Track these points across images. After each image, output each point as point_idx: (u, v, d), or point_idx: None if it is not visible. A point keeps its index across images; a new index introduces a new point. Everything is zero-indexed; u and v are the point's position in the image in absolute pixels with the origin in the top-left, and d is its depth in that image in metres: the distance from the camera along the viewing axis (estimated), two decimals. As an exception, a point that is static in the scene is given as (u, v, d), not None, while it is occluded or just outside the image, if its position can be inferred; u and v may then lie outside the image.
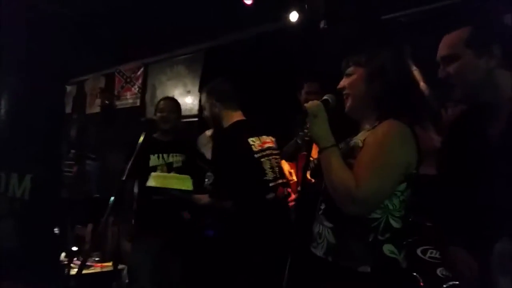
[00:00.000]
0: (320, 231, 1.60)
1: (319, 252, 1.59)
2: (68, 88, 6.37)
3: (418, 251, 2.50)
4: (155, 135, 3.18)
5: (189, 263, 3.26)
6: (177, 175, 2.57)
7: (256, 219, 2.34)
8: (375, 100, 1.60)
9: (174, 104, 3.27)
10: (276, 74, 3.67)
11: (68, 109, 6.64)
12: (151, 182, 2.52)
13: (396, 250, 1.50)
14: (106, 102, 6.14)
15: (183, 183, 2.52)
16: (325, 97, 1.69)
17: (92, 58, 5.55)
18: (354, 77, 1.64)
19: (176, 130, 3.23)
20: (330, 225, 1.56)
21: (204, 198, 2.48)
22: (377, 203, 1.48)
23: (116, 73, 6.12)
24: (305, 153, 3.07)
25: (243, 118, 2.59)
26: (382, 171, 1.46)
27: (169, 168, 3.07)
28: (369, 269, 1.47)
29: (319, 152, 1.56)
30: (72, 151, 5.68)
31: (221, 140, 2.48)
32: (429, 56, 3.21)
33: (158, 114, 3.18)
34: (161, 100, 3.34)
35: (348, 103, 1.66)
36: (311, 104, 1.59)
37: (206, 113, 2.64)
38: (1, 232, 1.74)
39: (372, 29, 3.36)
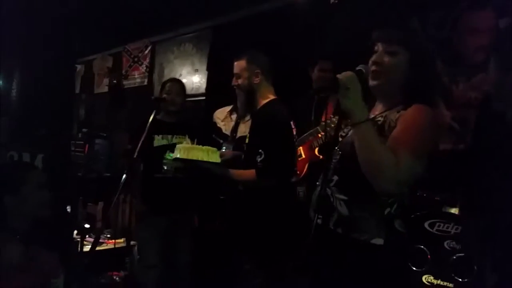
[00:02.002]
0: (331, 204, 1.61)
1: (329, 223, 1.60)
2: (77, 67, 6.38)
3: (426, 225, 2.54)
4: (158, 117, 3.14)
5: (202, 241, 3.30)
6: (203, 146, 2.38)
7: (286, 200, 2.37)
8: (407, 85, 1.58)
9: (180, 86, 3.27)
10: (286, 51, 3.64)
11: (77, 89, 6.66)
12: (177, 154, 2.38)
13: (404, 224, 1.57)
14: (114, 81, 6.16)
15: (211, 155, 2.36)
16: (358, 68, 1.56)
17: (100, 37, 5.54)
18: (398, 58, 1.56)
19: (180, 112, 3.22)
20: (343, 197, 1.56)
21: (244, 174, 2.40)
22: (411, 184, 1.52)
23: (123, 52, 6.12)
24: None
25: (276, 96, 2.50)
26: (421, 154, 1.47)
27: (172, 148, 3.09)
28: (382, 242, 1.51)
29: (353, 126, 1.50)
30: (84, 130, 5.72)
31: (277, 119, 2.38)
32: (438, 32, 3.22)
33: (165, 96, 3.16)
34: (167, 81, 3.33)
35: (378, 81, 1.59)
36: (344, 75, 1.48)
37: (241, 82, 2.51)
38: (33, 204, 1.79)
39: (382, 4, 3.32)
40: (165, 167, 3.03)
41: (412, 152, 1.43)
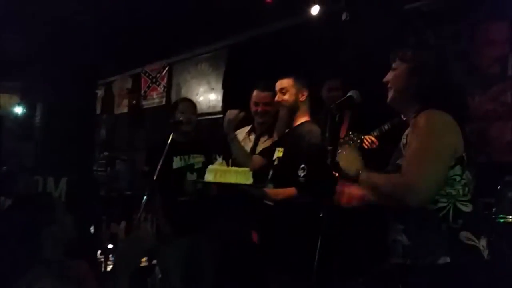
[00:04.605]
0: (394, 239, 1.60)
1: (399, 259, 1.58)
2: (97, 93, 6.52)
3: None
4: (173, 136, 3.01)
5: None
6: (237, 168, 2.31)
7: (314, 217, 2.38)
8: (414, 94, 1.64)
9: (193, 105, 3.28)
10: (299, 70, 3.68)
11: (98, 110, 6.82)
12: (209, 177, 2.31)
13: (473, 237, 1.48)
14: (134, 102, 6.29)
15: (244, 176, 2.28)
16: (349, 94, 1.74)
17: (119, 59, 5.68)
18: (397, 71, 1.68)
19: (193, 130, 3.23)
20: (401, 227, 1.57)
21: (283, 193, 2.41)
22: (432, 187, 1.48)
23: (142, 74, 6.25)
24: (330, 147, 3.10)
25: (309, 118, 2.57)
26: (429, 156, 1.48)
27: (191, 169, 3.09)
28: (448, 259, 1.45)
29: (357, 182, 1.64)
30: (105, 153, 5.83)
31: (319, 137, 2.42)
32: (452, 45, 3.22)
33: (179, 115, 3.13)
34: (179, 101, 3.36)
35: (390, 96, 1.71)
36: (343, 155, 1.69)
37: (287, 97, 2.55)
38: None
39: (394, 19, 3.35)
40: (188, 189, 3.05)
41: (418, 160, 1.48)
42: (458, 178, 1.51)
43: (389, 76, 1.71)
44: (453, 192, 1.50)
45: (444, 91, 1.60)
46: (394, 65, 1.70)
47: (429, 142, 1.49)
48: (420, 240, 1.51)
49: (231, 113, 2.74)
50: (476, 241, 1.48)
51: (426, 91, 1.60)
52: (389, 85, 1.70)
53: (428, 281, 1.48)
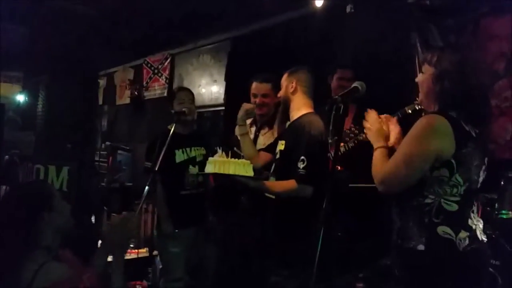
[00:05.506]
0: (393, 218, 1.81)
1: (394, 237, 1.79)
2: (99, 82, 6.50)
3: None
4: (174, 128, 2.93)
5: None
6: (236, 160, 2.34)
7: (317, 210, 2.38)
8: (436, 98, 1.77)
9: (191, 94, 3.24)
10: (304, 61, 3.67)
11: (99, 101, 6.81)
12: (209, 168, 2.35)
13: (452, 231, 1.65)
14: (136, 93, 6.28)
15: (244, 168, 2.32)
16: (354, 84, 1.83)
17: (121, 50, 5.66)
18: (425, 75, 1.81)
19: (194, 122, 3.21)
20: (397, 210, 1.79)
21: (281, 185, 2.44)
22: (399, 183, 1.72)
23: (144, 65, 6.24)
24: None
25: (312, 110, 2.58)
26: (405, 160, 1.69)
27: (193, 162, 3.09)
28: (423, 248, 1.66)
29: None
30: (107, 143, 5.82)
31: (318, 128, 2.45)
32: (456, 39, 3.20)
33: (179, 105, 3.09)
34: (177, 90, 3.33)
35: (419, 97, 1.88)
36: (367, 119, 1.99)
37: (281, 92, 2.66)
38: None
39: (398, 12, 3.33)
40: (189, 182, 3.05)
41: (394, 158, 1.73)
42: (446, 179, 1.67)
43: (419, 78, 1.86)
44: (440, 191, 1.67)
45: (463, 99, 1.70)
46: (423, 69, 1.83)
47: (410, 147, 1.69)
48: (406, 226, 1.72)
49: (247, 106, 2.76)
50: (453, 235, 1.65)
51: (446, 96, 1.72)
52: (419, 86, 1.85)
53: (406, 262, 1.74)
